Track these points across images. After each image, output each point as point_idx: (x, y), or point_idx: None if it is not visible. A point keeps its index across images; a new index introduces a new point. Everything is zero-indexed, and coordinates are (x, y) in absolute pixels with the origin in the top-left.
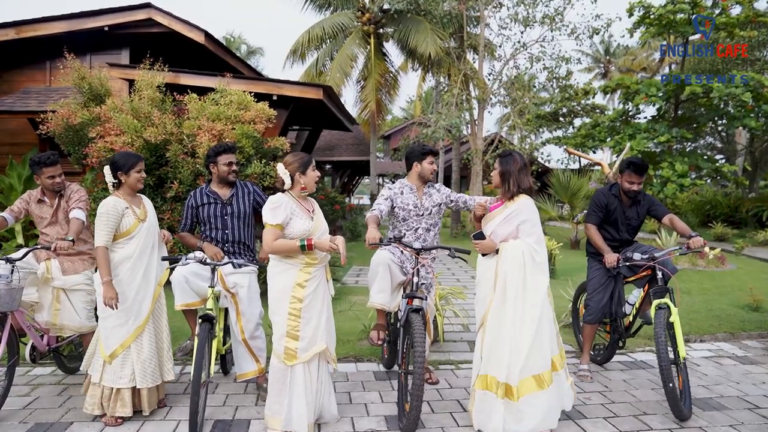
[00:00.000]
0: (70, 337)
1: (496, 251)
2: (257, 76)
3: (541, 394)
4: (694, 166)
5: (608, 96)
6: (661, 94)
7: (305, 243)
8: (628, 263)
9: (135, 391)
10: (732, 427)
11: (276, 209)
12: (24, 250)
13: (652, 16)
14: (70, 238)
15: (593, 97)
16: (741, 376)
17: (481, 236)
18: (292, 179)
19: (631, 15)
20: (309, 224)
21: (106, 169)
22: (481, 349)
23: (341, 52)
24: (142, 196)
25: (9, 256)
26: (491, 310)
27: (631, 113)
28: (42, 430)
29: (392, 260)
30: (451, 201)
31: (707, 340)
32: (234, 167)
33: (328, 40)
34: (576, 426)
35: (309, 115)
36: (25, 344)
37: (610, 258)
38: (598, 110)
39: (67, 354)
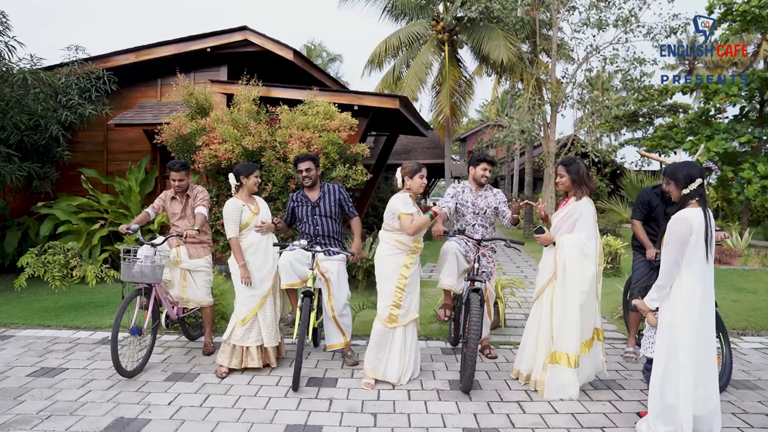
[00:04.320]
0: (192, 309)
1: (554, 243)
2: (340, 89)
3: (585, 357)
4: None
5: (694, 94)
6: (743, 94)
7: (432, 213)
8: None
9: (263, 349)
10: (760, 403)
11: (407, 204)
12: (162, 237)
13: (734, 13)
14: (196, 228)
15: (671, 98)
16: None
17: (540, 231)
18: (403, 181)
19: (711, 13)
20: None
21: (231, 176)
22: (538, 327)
23: (417, 59)
24: (256, 197)
25: (153, 241)
26: (554, 293)
27: (711, 114)
28: (178, 377)
29: (458, 250)
30: (496, 208)
31: (764, 335)
32: (305, 173)
33: (404, 49)
34: (613, 394)
35: (386, 122)
36: (162, 313)
37: (651, 252)
38: (680, 109)
39: (190, 323)
